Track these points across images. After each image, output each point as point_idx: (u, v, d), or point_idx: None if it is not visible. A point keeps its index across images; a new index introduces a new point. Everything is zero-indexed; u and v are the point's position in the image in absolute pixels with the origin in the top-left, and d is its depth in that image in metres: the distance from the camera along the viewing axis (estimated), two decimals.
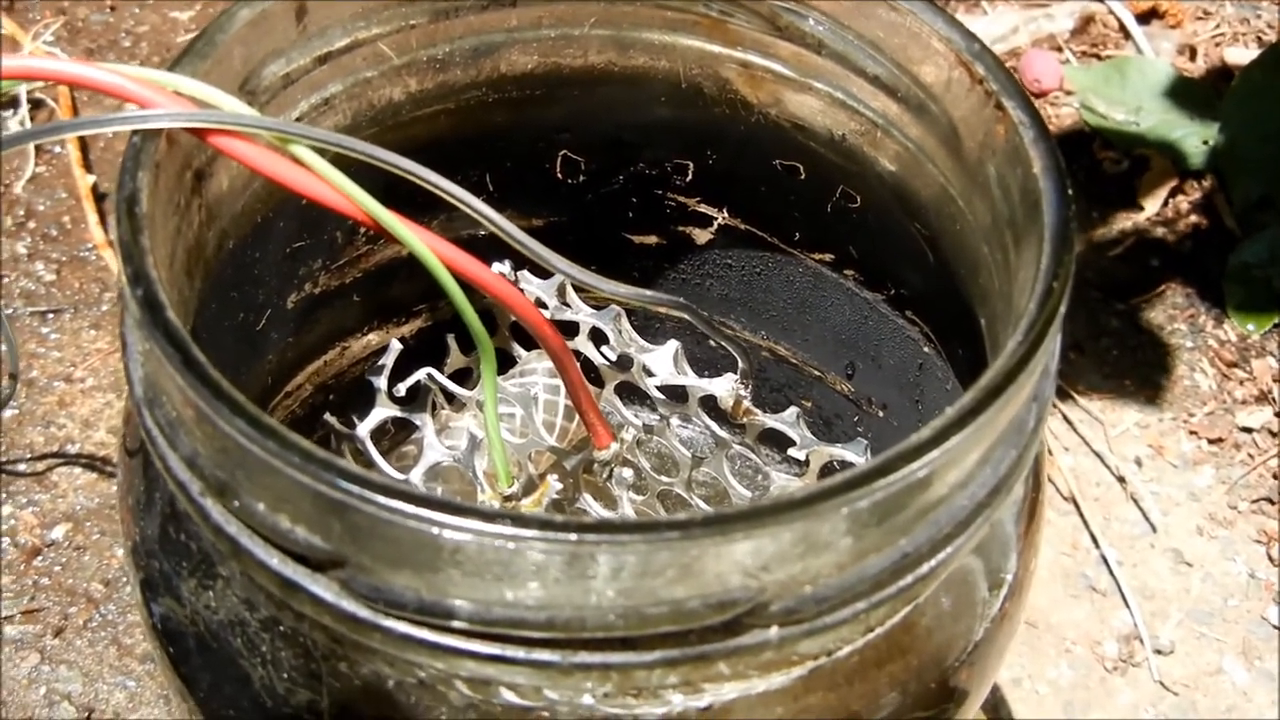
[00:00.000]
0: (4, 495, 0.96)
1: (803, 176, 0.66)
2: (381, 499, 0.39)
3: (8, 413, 0.99)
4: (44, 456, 0.99)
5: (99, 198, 1.13)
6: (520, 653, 0.42)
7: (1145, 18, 1.34)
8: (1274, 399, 1.07)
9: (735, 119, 0.65)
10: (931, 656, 0.50)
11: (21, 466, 0.98)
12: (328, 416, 0.68)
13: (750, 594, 0.41)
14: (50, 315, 1.06)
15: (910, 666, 0.49)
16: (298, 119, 0.58)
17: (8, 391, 0.81)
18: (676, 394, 0.70)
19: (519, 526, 0.39)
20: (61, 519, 0.95)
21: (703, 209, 0.71)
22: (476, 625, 0.41)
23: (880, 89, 0.59)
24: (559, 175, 0.70)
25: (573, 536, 0.39)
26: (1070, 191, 0.48)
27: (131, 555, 0.53)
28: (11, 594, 0.92)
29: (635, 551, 0.40)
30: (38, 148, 1.16)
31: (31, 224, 1.11)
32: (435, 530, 0.39)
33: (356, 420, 0.67)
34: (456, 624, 0.41)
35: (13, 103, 1.18)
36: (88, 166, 1.15)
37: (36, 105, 1.19)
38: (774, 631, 0.42)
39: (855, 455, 0.65)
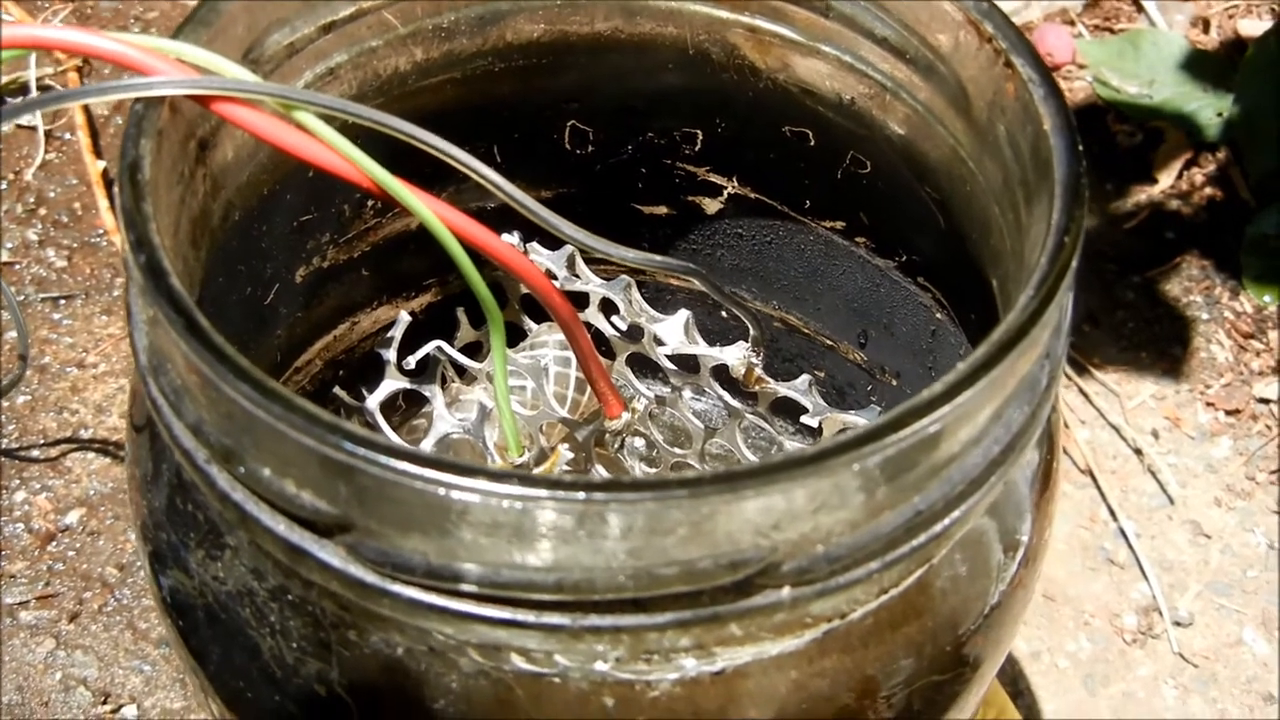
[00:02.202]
0: (18, 481, 0.96)
1: (812, 142, 0.65)
2: (387, 460, 0.39)
3: (21, 398, 0.99)
4: (57, 442, 0.99)
5: (109, 184, 1.13)
6: (530, 616, 0.41)
7: None
8: None
9: (743, 85, 0.64)
10: (947, 620, 0.50)
11: (35, 452, 0.98)
12: (337, 390, 0.67)
13: (762, 553, 0.41)
14: (62, 301, 1.06)
15: (925, 629, 0.49)
16: (303, 89, 0.57)
17: (18, 373, 0.81)
18: (689, 365, 0.69)
19: (527, 486, 0.39)
20: (75, 504, 0.95)
21: (712, 178, 0.71)
22: (486, 589, 0.41)
23: (889, 51, 0.58)
24: (567, 145, 0.70)
25: (581, 495, 0.39)
26: (1080, 147, 0.48)
27: (140, 530, 0.53)
28: (26, 579, 0.92)
29: (644, 510, 0.39)
30: (48, 134, 1.16)
31: (42, 210, 1.11)
32: (443, 491, 0.39)
33: (366, 394, 0.67)
34: (465, 588, 0.41)
35: (21, 90, 1.18)
36: (98, 153, 1.15)
37: (45, 91, 1.19)
38: (786, 592, 0.42)
39: (868, 422, 0.64)
